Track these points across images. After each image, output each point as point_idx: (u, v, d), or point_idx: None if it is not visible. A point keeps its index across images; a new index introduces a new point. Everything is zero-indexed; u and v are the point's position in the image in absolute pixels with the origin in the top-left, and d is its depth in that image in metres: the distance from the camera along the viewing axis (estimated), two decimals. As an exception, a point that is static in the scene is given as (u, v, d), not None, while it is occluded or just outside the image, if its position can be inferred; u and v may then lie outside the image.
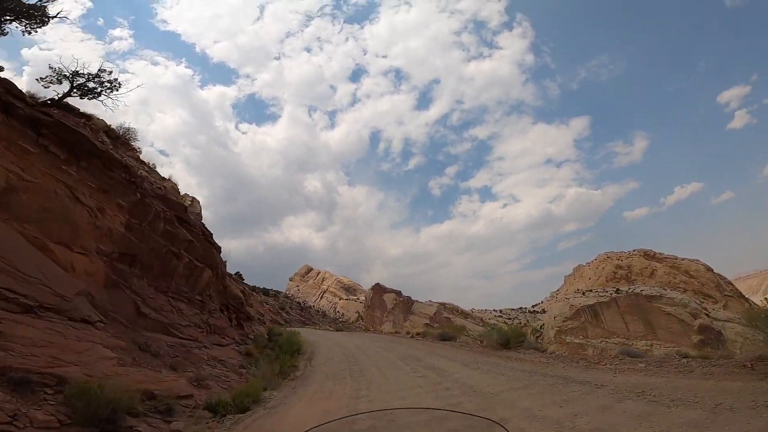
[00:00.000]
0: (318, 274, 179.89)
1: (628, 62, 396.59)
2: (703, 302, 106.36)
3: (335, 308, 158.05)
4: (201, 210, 30.19)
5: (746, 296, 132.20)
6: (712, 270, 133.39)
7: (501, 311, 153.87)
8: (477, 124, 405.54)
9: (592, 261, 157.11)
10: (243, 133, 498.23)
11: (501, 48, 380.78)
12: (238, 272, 44.73)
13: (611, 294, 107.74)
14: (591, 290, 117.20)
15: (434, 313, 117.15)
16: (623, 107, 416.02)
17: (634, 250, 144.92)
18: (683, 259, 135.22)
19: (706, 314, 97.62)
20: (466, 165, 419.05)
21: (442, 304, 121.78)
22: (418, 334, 19.74)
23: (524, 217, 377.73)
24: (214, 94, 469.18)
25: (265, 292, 66.39)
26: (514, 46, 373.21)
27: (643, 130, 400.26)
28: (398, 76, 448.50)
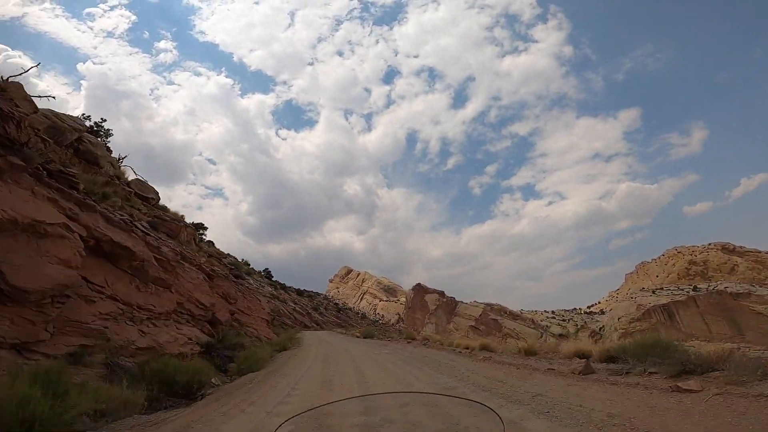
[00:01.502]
0: (358, 276, 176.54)
1: (675, 51, 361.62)
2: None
3: (375, 310, 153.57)
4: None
5: None
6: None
7: (553, 312, 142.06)
8: (516, 120, 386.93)
9: (659, 257, 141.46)
10: (283, 139, 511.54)
11: (536, 41, 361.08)
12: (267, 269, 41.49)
13: (688, 292, 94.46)
14: (662, 288, 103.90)
15: (480, 315, 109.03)
16: (676, 97, 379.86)
17: (710, 244, 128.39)
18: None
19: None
20: (506, 163, 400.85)
21: (488, 305, 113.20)
22: (467, 348, 13.31)
23: (572, 215, 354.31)
24: (254, 102, 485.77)
25: (299, 292, 62.82)
26: (550, 38, 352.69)
27: (700, 120, 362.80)
28: (431, 75, 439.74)
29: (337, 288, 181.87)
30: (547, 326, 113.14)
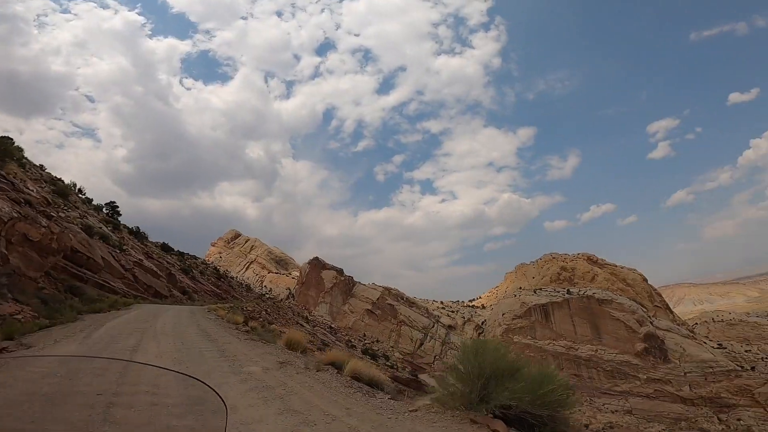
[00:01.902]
0: (246, 242, 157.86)
1: (582, 80, 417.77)
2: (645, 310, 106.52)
3: (262, 282, 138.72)
4: None
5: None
6: (646, 280, 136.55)
7: (442, 303, 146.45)
8: (432, 118, 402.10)
9: (537, 260, 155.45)
10: (187, 89, 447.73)
11: (473, 47, 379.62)
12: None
13: (563, 295, 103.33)
14: (541, 289, 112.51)
15: (377, 298, 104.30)
16: (567, 123, 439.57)
17: (579, 254, 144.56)
18: (623, 268, 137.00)
19: (651, 323, 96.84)
20: (413, 156, 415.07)
21: (387, 289, 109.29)
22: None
23: (459, 215, 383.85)
24: (164, 45, 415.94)
25: (166, 248, 47.32)
26: (486, 47, 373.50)
27: (578, 148, 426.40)
28: (366, 56, 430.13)
29: (220, 253, 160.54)
30: (438, 316, 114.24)
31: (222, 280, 58.63)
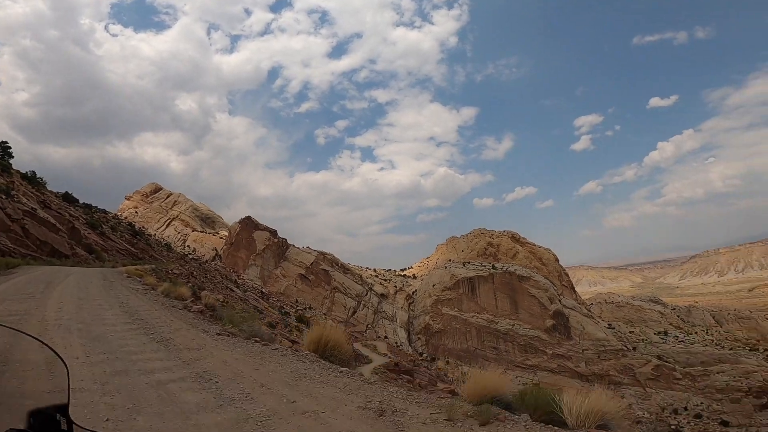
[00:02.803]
0: (168, 197, 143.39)
1: (529, 68, 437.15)
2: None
3: (185, 241, 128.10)
4: None
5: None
6: (558, 260, 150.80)
7: (375, 270, 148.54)
8: (381, 87, 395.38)
9: (467, 234, 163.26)
10: (113, 35, 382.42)
11: (433, 23, 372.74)
12: None
13: (489, 269, 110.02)
14: (470, 262, 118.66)
15: (311, 263, 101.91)
16: (507, 107, 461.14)
17: (504, 231, 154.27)
18: (540, 247, 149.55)
19: (559, 300, 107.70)
20: (357, 122, 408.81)
21: (322, 254, 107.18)
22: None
23: (396, 185, 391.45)
24: None
25: (68, 198, 39.40)
26: (446, 24, 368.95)
27: (513, 132, 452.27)
28: (323, 18, 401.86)
29: (136, 208, 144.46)
30: (371, 284, 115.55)
31: (138, 237, 51.83)
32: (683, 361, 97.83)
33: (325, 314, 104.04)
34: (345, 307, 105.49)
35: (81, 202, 48.52)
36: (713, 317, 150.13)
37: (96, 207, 61.26)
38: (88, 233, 30.81)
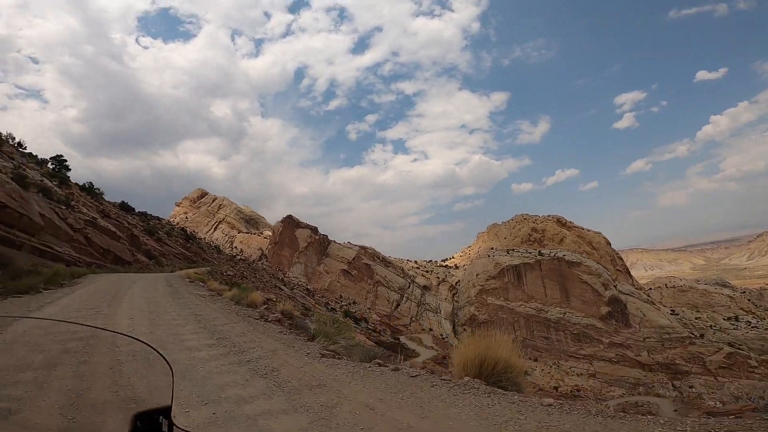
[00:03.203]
0: (214, 201, 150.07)
1: (558, 50, 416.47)
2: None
3: (232, 243, 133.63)
4: None
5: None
6: (609, 244, 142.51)
7: (416, 262, 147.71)
8: (407, 79, 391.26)
9: (509, 221, 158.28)
10: (144, 48, 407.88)
11: (453, 11, 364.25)
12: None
13: (535, 256, 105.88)
14: (514, 249, 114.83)
15: (353, 258, 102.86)
16: (540, 91, 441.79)
17: (549, 216, 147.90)
18: (588, 231, 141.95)
19: (615, 286, 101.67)
20: (387, 116, 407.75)
21: (363, 248, 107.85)
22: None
23: (430, 175, 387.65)
24: (118, 4, 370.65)
25: (125, 207, 41.86)
26: (466, 11, 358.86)
27: (548, 114, 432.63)
28: (342, 15, 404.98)
29: (186, 214, 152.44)
30: (413, 276, 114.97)
31: (191, 241, 54.30)
32: (758, 348, 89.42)
33: (369, 308, 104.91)
34: (389, 300, 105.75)
35: (136, 210, 51.36)
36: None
37: (150, 215, 64.96)
38: (146, 239, 32.46)
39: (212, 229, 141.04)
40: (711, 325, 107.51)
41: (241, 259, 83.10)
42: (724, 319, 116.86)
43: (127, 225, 30.71)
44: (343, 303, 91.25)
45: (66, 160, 31.96)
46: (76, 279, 15.21)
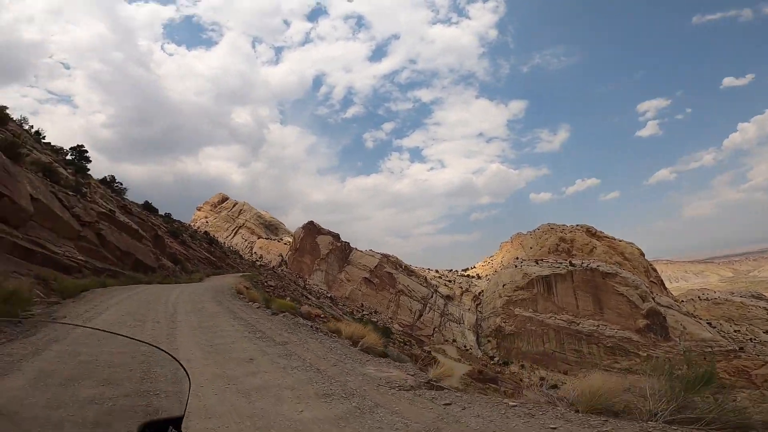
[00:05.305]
0: (234, 206, 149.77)
1: (579, 57, 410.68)
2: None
3: (251, 248, 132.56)
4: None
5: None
6: (643, 255, 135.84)
7: (438, 271, 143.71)
8: (424, 87, 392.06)
9: (535, 230, 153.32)
10: (169, 54, 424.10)
11: (470, 18, 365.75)
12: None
13: (566, 266, 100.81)
14: (543, 260, 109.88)
15: (375, 266, 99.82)
16: (560, 98, 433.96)
17: (577, 225, 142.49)
18: (620, 241, 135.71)
19: (653, 298, 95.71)
20: (403, 124, 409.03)
21: (385, 256, 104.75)
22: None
23: (446, 184, 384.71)
24: (145, 11, 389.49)
25: (149, 208, 39.56)
26: (483, 18, 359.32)
27: (568, 123, 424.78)
28: (359, 23, 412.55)
29: (206, 218, 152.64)
30: (436, 286, 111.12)
31: (214, 245, 52.29)
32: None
33: (390, 318, 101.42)
34: (411, 310, 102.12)
35: (160, 212, 49.66)
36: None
37: (173, 218, 63.47)
38: (171, 242, 30.06)
39: (232, 234, 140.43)
40: (750, 339, 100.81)
41: (261, 265, 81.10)
42: (764, 332, 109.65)
43: (152, 225, 28.12)
44: (364, 312, 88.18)
45: (86, 151, 28.61)
46: (68, 299, 10.47)
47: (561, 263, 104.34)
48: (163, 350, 1.77)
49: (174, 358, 1.70)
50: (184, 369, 1.63)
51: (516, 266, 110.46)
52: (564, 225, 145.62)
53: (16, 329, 5.94)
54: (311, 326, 9.01)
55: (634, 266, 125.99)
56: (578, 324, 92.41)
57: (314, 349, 6.92)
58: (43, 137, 27.73)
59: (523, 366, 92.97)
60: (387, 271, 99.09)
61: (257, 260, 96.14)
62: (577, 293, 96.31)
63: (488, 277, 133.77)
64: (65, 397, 2.05)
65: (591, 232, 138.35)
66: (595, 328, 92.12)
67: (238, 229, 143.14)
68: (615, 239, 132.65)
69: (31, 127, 27.14)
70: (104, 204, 21.72)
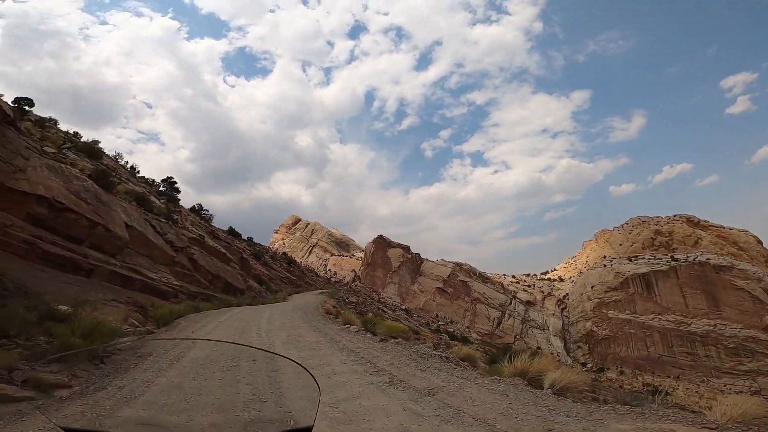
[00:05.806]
0: (307, 226, 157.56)
1: (638, 39, 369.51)
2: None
3: (326, 266, 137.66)
4: None
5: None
6: (761, 243, 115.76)
7: (514, 276, 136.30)
8: (476, 89, 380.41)
9: (622, 225, 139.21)
10: (231, 86, 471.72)
11: (509, 14, 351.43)
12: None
13: (668, 262, 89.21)
14: (637, 256, 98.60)
15: (448, 275, 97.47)
16: (626, 83, 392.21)
17: (675, 215, 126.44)
18: (731, 229, 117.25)
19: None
20: (460, 129, 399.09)
21: (458, 265, 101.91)
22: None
23: (514, 185, 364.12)
24: (202, 47, 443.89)
25: (233, 233, 43.09)
26: (523, 12, 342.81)
27: (642, 108, 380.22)
28: (399, 34, 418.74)
29: (283, 240, 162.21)
30: (514, 291, 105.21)
31: (293, 265, 55.03)
32: None
33: (468, 327, 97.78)
34: (489, 318, 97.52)
35: (243, 237, 53.64)
36: None
37: (254, 241, 68.36)
38: (255, 264, 32.23)
39: (307, 254, 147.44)
40: None
41: (335, 281, 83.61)
42: None
43: (237, 248, 30.39)
44: (440, 323, 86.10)
45: (176, 182, 31.69)
46: (162, 327, 10.19)
47: (661, 259, 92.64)
48: (296, 362, 1.86)
49: (306, 369, 1.78)
50: (315, 380, 1.70)
51: (605, 265, 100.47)
52: (658, 217, 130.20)
53: (95, 374, 5.69)
54: (440, 356, 7.39)
55: (751, 256, 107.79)
56: (689, 324, 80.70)
57: (483, 400, 4.73)
58: (137, 171, 31.26)
59: (622, 372, 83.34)
60: (461, 280, 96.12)
61: (332, 277, 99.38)
62: (685, 291, 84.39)
63: (572, 279, 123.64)
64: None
65: (693, 222, 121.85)
66: (711, 328, 79.72)
67: (312, 249, 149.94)
68: (724, 227, 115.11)
69: (126, 162, 30.98)
70: (194, 230, 23.37)
